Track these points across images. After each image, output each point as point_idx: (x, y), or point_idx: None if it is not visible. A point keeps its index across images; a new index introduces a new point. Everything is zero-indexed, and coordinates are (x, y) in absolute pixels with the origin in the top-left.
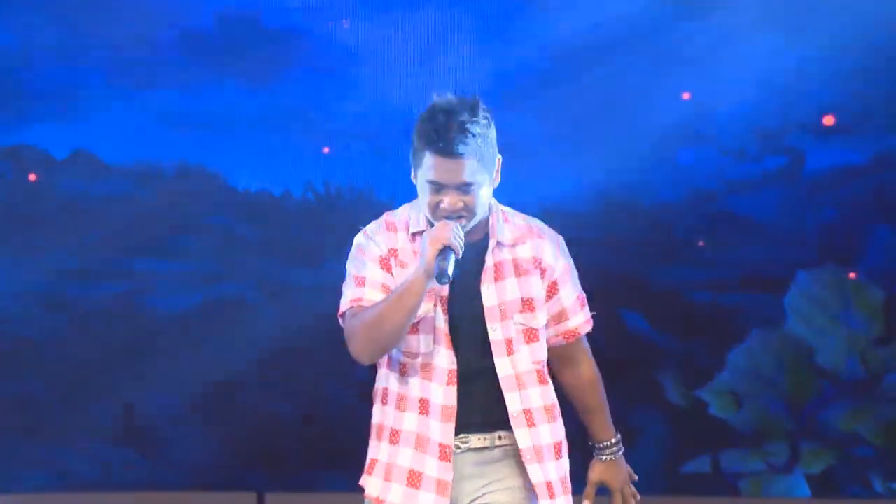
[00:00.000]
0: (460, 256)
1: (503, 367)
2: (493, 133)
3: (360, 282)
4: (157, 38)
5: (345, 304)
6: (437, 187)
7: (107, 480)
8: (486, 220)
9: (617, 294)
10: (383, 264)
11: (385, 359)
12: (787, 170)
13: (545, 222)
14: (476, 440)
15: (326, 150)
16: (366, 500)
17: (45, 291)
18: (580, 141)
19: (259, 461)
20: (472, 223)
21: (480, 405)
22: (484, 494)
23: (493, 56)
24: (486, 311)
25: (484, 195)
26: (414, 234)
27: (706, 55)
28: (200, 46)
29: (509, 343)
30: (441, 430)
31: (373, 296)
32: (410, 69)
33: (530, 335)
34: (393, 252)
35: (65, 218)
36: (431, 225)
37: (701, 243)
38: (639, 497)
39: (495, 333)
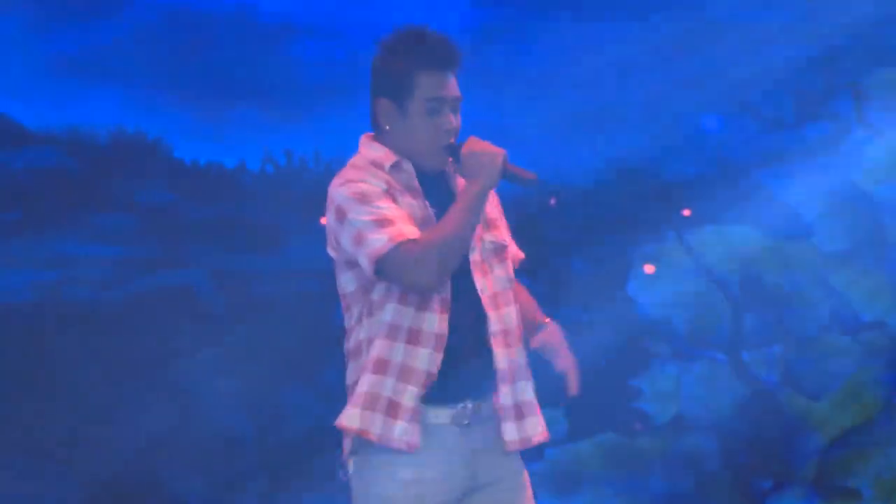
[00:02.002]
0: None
1: (483, 286)
2: None
3: (387, 221)
4: None
5: (383, 245)
6: (438, 105)
7: (38, 501)
8: None
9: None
10: (391, 198)
11: (364, 310)
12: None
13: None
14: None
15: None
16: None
17: None
18: (593, 107)
19: (209, 479)
20: None
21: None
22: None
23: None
24: (486, 221)
25: None
26: (391, 168)
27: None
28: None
29: (484, 264)
30: (425, 357)
31: (408, 229)
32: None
33: (501, 253)
34: (390, 184)
35: None
36: (426, 168)
37: None
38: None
39: (474, 255)
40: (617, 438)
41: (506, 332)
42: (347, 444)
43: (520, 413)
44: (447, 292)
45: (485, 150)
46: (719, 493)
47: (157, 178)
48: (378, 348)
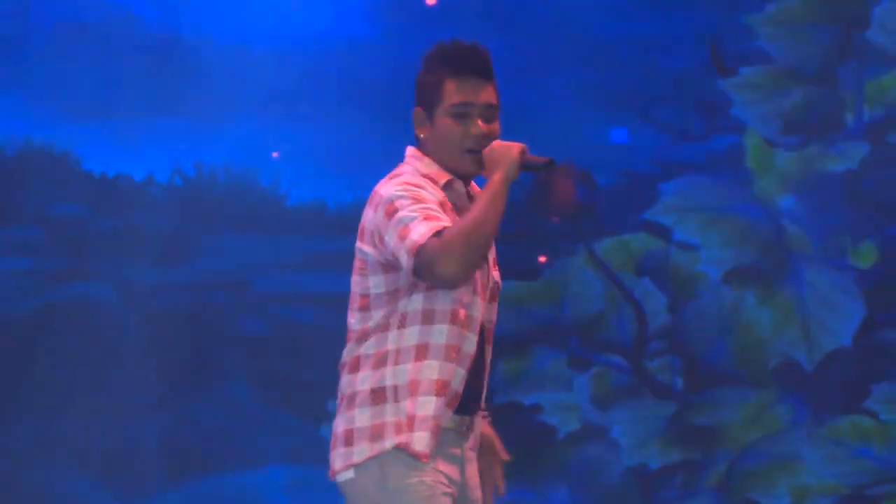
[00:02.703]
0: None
1: (488, 317)
2: None
3: (432, 215)
4: None
5: (423, 235)
6: (464, 112)
7: None
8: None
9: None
10: (442, 207)
11: (392, 320)
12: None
13: None
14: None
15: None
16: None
17: None
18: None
19: (112, 490)
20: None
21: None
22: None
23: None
24: (491, 260)
25: None
26: (444, 185)
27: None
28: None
29: (491, 300)
30: (463, 377)
31: (446, 223)
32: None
33: (496, 294)
34: (443, 200)
35: None
36: (457, 174)
37: None
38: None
39: (496, 284)
40: (517, 452)
41: (490, 364)
42: (364, 451)
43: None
44: (477, 312)
45: (502, 144)
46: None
47: (66, 190)
48: (431, 369)
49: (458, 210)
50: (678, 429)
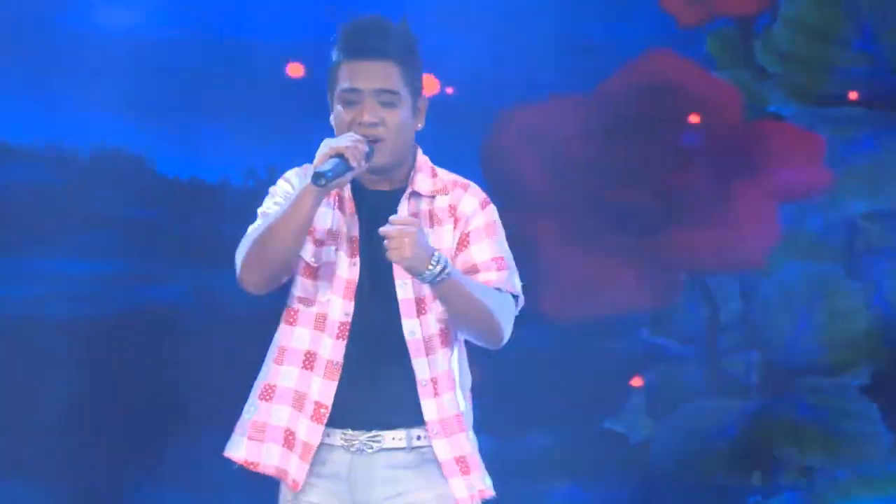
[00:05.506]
0: (358, 168)
1: (410, 328)
2: (419, 58)
3: (264, 212)
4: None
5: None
6: (353, 97)
7: None
8: (409, 170)
9: None
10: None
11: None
12: None
13: None
14: (390, 439)
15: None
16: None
17: None
18: None
19: (188, 496)
20: (389, 153)
21: (394, 394)
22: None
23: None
24: (394, 266)
25: (406, 122)
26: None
27: None
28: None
29: (420, 302)
30: (321, 387)
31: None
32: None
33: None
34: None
35: None
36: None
37: None
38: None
39: (404, 291)
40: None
41: (435, 381)
42: None
43: (464, 468)
44: (346, 318)
45: (325, 142)
46: None
47: (140, 193)
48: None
49: (340, 199)
50: (755, 428)
